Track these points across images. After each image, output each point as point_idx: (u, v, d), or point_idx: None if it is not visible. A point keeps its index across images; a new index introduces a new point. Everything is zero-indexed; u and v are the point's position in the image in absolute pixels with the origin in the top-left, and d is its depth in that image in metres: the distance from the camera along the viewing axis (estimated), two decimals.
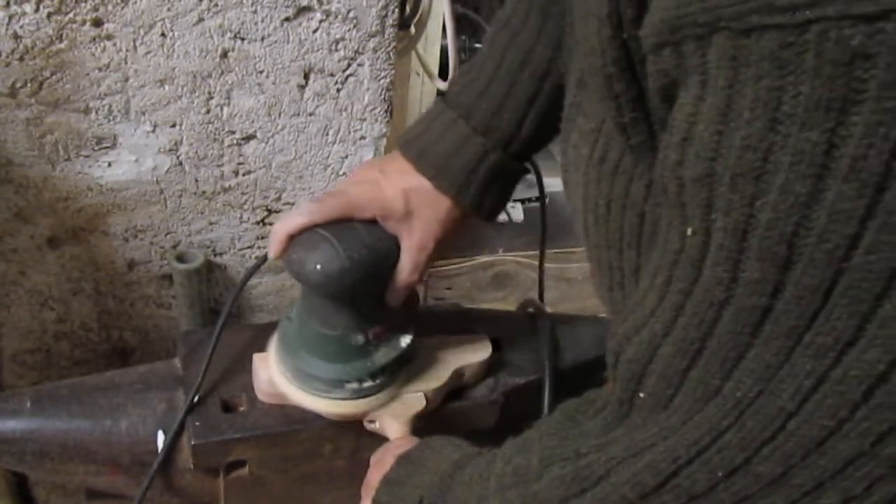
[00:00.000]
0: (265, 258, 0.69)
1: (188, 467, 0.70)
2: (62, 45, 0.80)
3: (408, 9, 0.98)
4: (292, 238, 0.62)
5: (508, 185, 0.68)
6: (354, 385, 0.67)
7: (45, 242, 0.95)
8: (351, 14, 0.88)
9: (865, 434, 0.33)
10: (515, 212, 1.67)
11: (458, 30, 1.10)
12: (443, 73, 1.18)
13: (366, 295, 0.65)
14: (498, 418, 0.77)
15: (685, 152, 0.34)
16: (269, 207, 1.02)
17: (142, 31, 0.82)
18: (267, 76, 0.89)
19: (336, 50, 0.90)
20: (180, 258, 1.00)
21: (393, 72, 0.95)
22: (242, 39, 0.86)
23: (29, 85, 0.82)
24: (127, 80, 0.85)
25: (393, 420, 0.69)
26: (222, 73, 0.88)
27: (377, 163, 0.68)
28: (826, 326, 0.32)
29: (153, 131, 0.90)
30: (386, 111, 0.98)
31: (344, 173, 1.01)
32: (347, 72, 0.92)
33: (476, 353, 0.75)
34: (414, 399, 0.70)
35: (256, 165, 0.97)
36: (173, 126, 0.90)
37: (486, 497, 0.48)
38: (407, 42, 1.04)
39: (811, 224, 0.30)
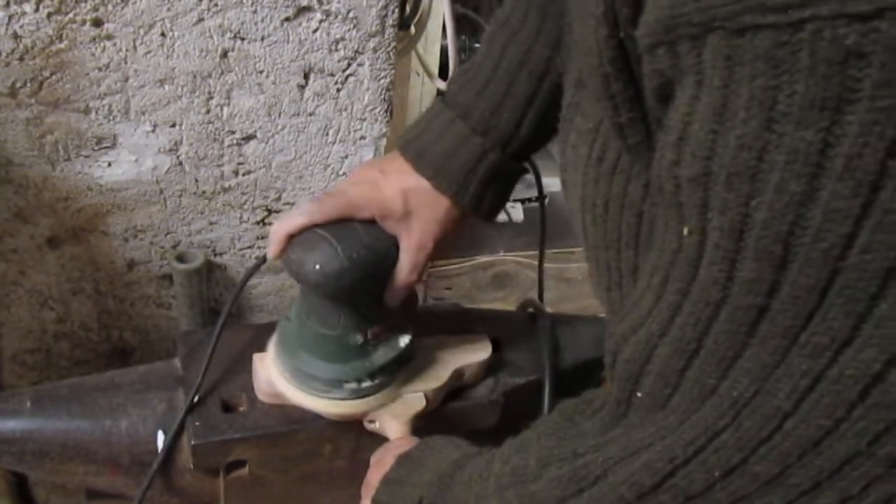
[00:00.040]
0: (265, 259, 0.69)
1: (188, 467, 0.70)
2: (62, 45, 0.80)
3: (408, 9, 0.98)
4: (291, 238, 0.62)
5: (507, 185, 0.68)
6: (353, 385, 0.67)
7: (45, 242, 0.95)
8: (351, 14, 0.88)
9: (862, 434, 0.33)
10: (515, 212, 1.67)
11: (458, 30, 1.10)
12: (443, 73, 1.18)
13: (365, 295, 0.65)
14: (498, 418, 0.77)
15: (681, 152, 0.34)
16: (269, 207, 1.02)
17: (142, 31, 0.82)
18: (267, 76, 0.89)
19: (336, 50, 0.90)
20: (180, 258, 1.00)
21: (393, 72, 0.95)
22: (242, 39, 0.86)
23: (29, 85, 0.82)
24: (127, 79, 0.85)
25: (393, 420, 0.69)
26: (222, 73, 0.88)
27: (376, 163, 0.68)
28: (822, 326, 0.32)
29: (153, 131, 0.90)
30: (386, 111, 0.98)
31: (344, 173, 1.01)
32: (347, 72, 0.92)
33: (476, 354, 0.75)
34: (414, 399, 0.70)
35: (256, 165, 0.97)
36: (173, 126, 0.90)
37: (484, 497, 0.48)
38: (407, 42, 1.04)
39: (806, 223, 0.30)
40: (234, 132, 0.93)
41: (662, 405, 0.39)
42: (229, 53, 0.87)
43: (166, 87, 0.87)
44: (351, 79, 0.93)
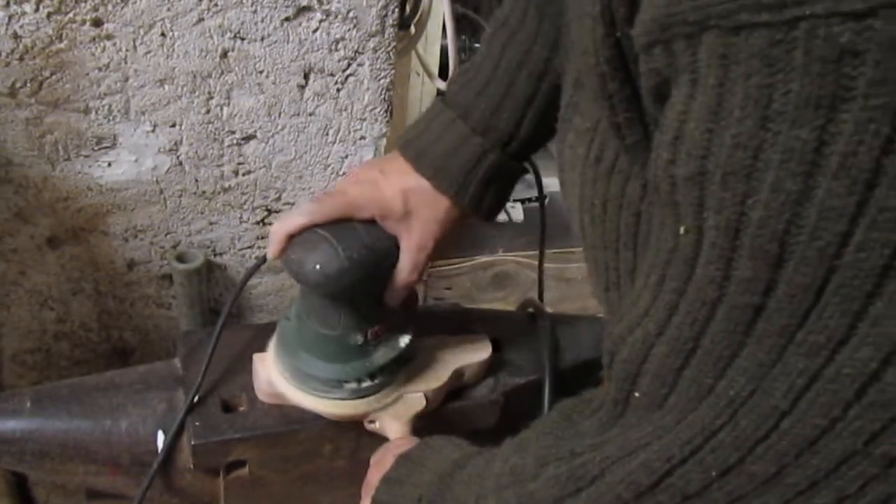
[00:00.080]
0: (265, 259, 0.69)
1: (188, 467, 0.70)
2: (62, 45, 0.80)
3: (408, 9, 0.98)
4: (291, 238, 0.62)
5: (507, 185, 0.68)
6: (353, 385, 0.67)
7: (45, 242, 0.95)
8: (351, 14, 0.88)
9: (858, 433, 0.32)
10: (515, 212, 1.67)
11: (458, 30, 1.10)
12: (443, 73, 1.18)
13: (365, 295, 0.65)
14: (498, 418, 0.77)
15: (677, 151, 0.34)
16: (269, 207, 1.02)
17: (142, 31, 0.82)
18: (267, 76, 0.89)
19: (336, 50, 0.90)
20: (180, 258, 1.00)
21: (393, 72, 0.95)
22: (242, 39, 0.86)
23: (29, 85, 0.82)
24: (127, 79, 0.85)
25: (393, 420, 0.69)
26: (222, 73, 0.88)
27: (376, 163, 0.68)
28: (818, 325, 0.32)
29: (153, 131, 0.90)
30: (386, 111, 0.98)
31: (344, 173, 1.01)
32: (347, 72, 0.92)
33: (476, 354, 0.75)
34: (414, 399, 0.70)
35: (256, 165, 0.97)
36: (173, 126, 0.90)
37: (483, 496, 0.48)
38: (407, 42, 1.04)
39: (802, 222, 0.30)
40: (234, 132, 0.93)
41: (660, 405, 0.39)
42: (229, 53, 0.87)
43: (166, 87, 0.87)
44: (351, 79, 0.93)
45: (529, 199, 1.68)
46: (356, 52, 0.91)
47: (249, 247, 1.05)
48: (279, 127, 0.94)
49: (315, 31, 0.88)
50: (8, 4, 0.76)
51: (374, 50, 0.91)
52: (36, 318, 1.01)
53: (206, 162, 0.94)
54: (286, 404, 0.70)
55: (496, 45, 0.63)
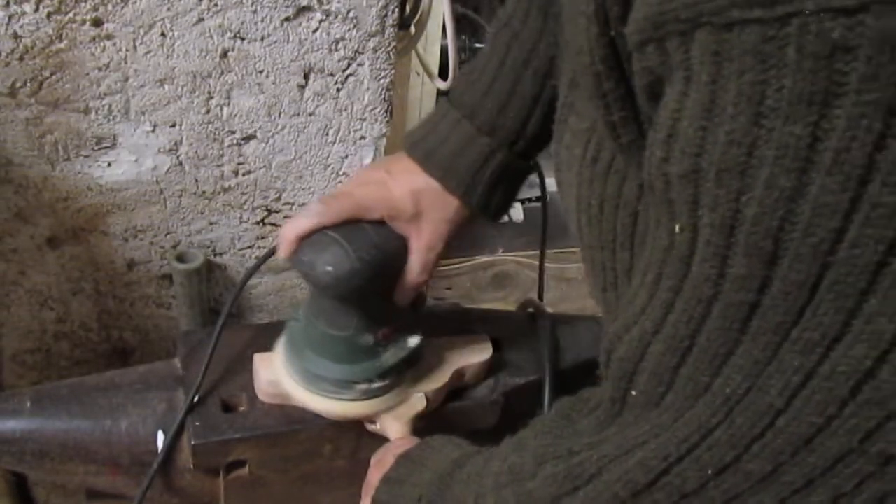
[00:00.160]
0: (266, 257, 0.69)
1: (188, 467, 0.70)
2: (62, 45, 0.80)
3: (408, 9, 0.98)
4: (301, 240, 0.62)
5: (515, 184, 0.68)
6: (364, 386, 0.67)
7: (45, 242, 0.95)
8: (351, 14, 0.88)
9: (854, 431, 0.32)
10: (515, 212, 1.67)
11: (458, 30, 1.10)
12: (443, 73, 1.18)
13: (375, 295, 0.65)
14: (498, 418, 0.77)
15: (670, 149, 0.34)
16: (269, 207, 1.02)
17: (142, 31, 0.82)
18: (267, 76, 0.89)
19: (336, 50, 0.90)
20: (180, 258, 1.00)
21: (393, 72, 0.95)
22: (242, 39, 0.86)
23: (29, 85, 0.82)
24: (127, 79, 0.85)
25: (394, 420, 0.69)
26: (222, 73, 0.88)
27: (382, 164, 0.69)
28: (813, 322, 0.32)
29: (153, 131, 0.90)
30: (386, 111, 0.98)
31: (344, 173, 1.01)
32: (347, 72, 0.92)
33: (477, 354, 0.75)
34: (415, 399, 0.70)
35: (256, 165, 0.97)
36: (173, 126, 0.90)
37: (483, 495, 0.48)
38: (407, 42, 1.04)
39: (796, 218, 0.30)
40: (234, 132, 0.93)
41: (656, 403, 0.39)
42: (229, 53, 0.87)
43: (166, 87, 0.87)
44: (351, 79, 0.93)
45: (530, 199, 1.68)
46: (356, 52, 0.91)
47: (249, 247, 1.05)
48: (279, 127, 0.94)
49: (315, 31, 0.88)
50: (8, 4, 0.76)
51: (374, 50, 0.91)
52: (36, 318, 1.01)
53: (206, 162, 0.94)
54: (286, 404, 0.70)
55: (500, 44, 0.63)
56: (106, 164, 0.91)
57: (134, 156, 0.91)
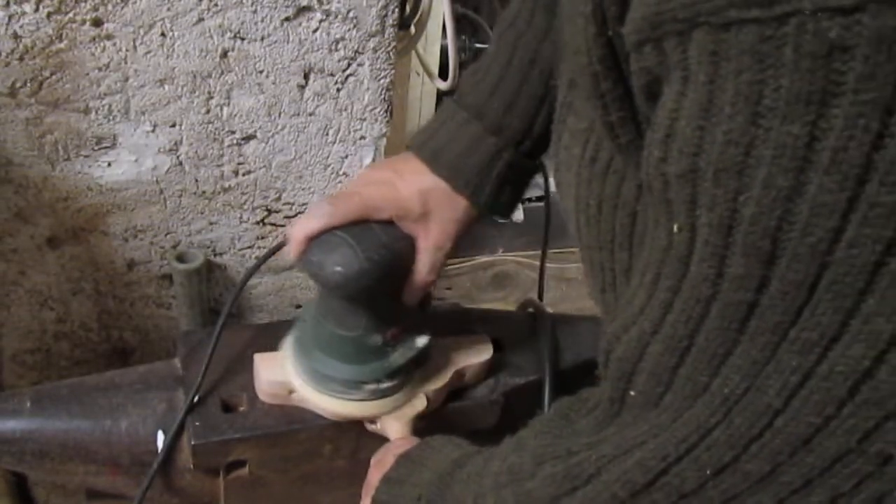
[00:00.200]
0: (266, 256, 0.69)
1: (188, 467, 0.70)
2: (62, 45, 0.80)
3: (408, 9, 0.98)
4: (310, 240, 0.62)
5: (521, 184, 0.69)
6: (373, 386, 0.67)
7: (45, 242, 0.95)
8: (351, 14, 0.88)
9: (852, 431, 0.32)
10: (515, 212, 1.67)
11: (458, 30, 1.10)
12: (443, 73, 1.18)
13: (383, 295, 0.65)
14: (498, 418, 0.77)
15: (668, 149, 0.34)
16: (269, 207, 1.02)
17: (142, 31, 0.82)
18: (267, 76, 0.89)
19: (336, 50, 0.90)
20: (180, 258, 1.00)
21: (393, 72, 0.95)
22: (242, 39, 0.86)
23: (29, 85, 0.82)
24: (127, 79, 0.85)
25: (394, 420, 0.69)
26: (222, 73, 0.88)
27: (388, 164, 0.69)
28: (811, 321, 0.32)
29: (153, 131, 0.90)
30: (386, 111, 0.98)
31: (344, 173, 1.01)
32: (347, 72, 0.92)
33: (478, 354, 0.75)
34: (415, 400, 0.70)
35: (256, 165, 0.97)
36: (173, 126, 0.90)
37: (482, 495, 0.48)
38: (407, 42, 1.04)
39: (794, 218, 0.30)
40: (234, 132, 0.93)
41: (655, 403, 0.39)
42: (229, 53, 0.87)
43: (166, 87, 0.87)
44: (351, 79, 0.93)
45: (530, 199, 1.68)
46: (356, 52, 0.91)
47: (249, 247, 1.05)
48: (279, 127, 0.94)
49: (315, 31, 0.88)
50: (8, 4, 0.76)
51: (374, 50, 0.91)
52: (36, 318, 1.01)
53: (206, 162, 0.94)
54: (286, 404, 0.70)
55: (506, 45, 0.64)
56: (106, 164, 0.91)
57: (134, 156, 0.91)
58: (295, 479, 0.74)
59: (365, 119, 0.97)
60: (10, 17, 0.77)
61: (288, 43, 0.88)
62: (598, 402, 0.45)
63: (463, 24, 1.63)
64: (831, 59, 0.28)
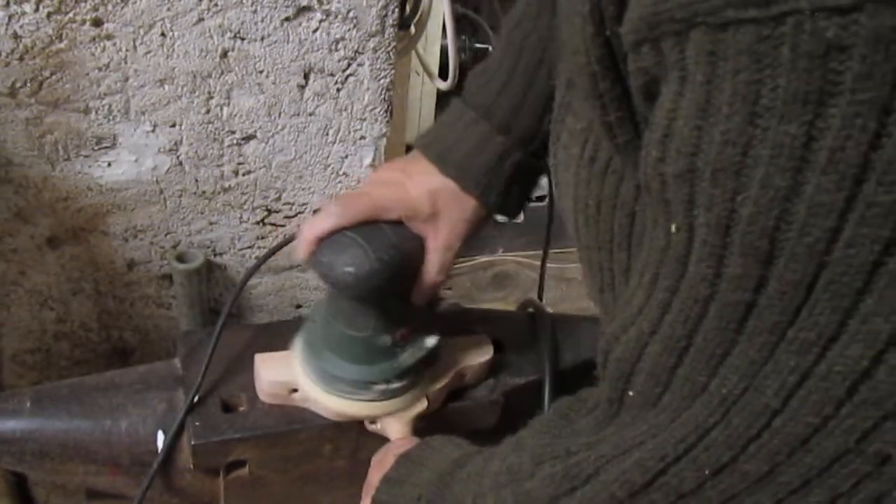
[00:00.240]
0: (266, 256, 0.69)
1: (188, 467, 0.70)
2: (62, 45, 0.80)
3: (408, 9, 0.98)
4: (320, 241, 0.62)
5: (530, 183, 0.69)
6: (382, 386, 0.67)
7: (44, 242, 0.95)
8: (351, 14, 0.88)
9: (850, 431, 0.32)
10: None
11: (458, 30, 1.10)
12: (443, 73, 1.18)
13: (393, 296, 0.65)
14: (498, 418, 0.77)
15: (666, 149, 0.34)
16: (269, 207, 1.02)
17: (142, 31, 0.82)
18: (267, 76, 0.89)
19: (336, 50, 0.90)
20: (180, 258, 1.00)
21: (393, 72, 0.95)
22: (242, 39, 0.86)
23: (29, 85, 0.82)
24: (127, 79, 0.85)
25: (394, 420, 0.69)
26: (222, 73, 0.88)
27: (396, 164, 0.69)
28: (809, 321, 0.32)
29: (153, 131, 0.90)
30: (386, 111, 0.98)
31: (344, 173, 1.01)
32: (347, 72, 0.92)
33: (478, 355, 0.75)
34: (416, 400, 0.70)
35: (256, 165, 0.97)
36: (173, 126, 0.90)
37: (482, 495, 0.48)
38: (407, 42, 1.04)
39: (791, 218, 0.30)
40: (234, 132, 0.93)
41: (654, 403, 0.39)
42: (229, 53, 0.87)
43: (166, 87, 0.87)
44: (351, 79, 0.93)
45: (530, 199, 1.67)
46: (356, 52, 0.91)
47: (249, 247, 1.05)
48: (279, 127, 0.94)
49: (315, 31, 0.88)
50: (8, 4, 0.76)
51: (374, 50, 0.91)
52: (36, 318, 1.01)
53: (206, 162, 0.94)
54: (286, 404, 0.70)
55: (513, 45, 0.64)
56: (106, 164, 0.91)
57: (134, 156, 0.91)
58: (295, 479, 0.74)
59: (365, 119, 0.97)
60: (10, 17, 0.77)
61: (288, 43, 0.88)
62: (597, 403, 0.45)
63: (463, 24, 1.63)
64: (828, 58, 0.28)
